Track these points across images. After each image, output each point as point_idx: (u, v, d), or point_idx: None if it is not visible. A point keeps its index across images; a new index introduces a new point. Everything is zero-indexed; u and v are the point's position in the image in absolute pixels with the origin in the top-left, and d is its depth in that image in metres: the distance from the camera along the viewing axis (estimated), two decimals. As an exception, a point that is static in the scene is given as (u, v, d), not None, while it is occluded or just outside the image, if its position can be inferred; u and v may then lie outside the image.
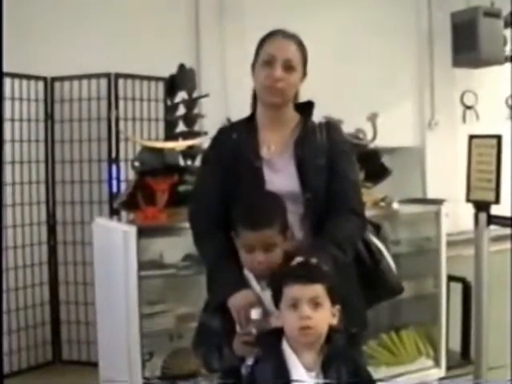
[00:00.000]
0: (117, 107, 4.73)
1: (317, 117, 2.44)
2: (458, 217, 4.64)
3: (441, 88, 6.11)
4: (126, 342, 3.45)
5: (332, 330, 2.02)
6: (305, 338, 1.97)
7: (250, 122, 2.42)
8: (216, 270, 2.28)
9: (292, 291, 1.99)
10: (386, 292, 2.59)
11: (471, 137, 3.65)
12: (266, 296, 2.14)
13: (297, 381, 1.92)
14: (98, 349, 3.98)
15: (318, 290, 2.00)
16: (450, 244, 4.30)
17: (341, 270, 2.21)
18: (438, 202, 4.18)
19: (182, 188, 3.71)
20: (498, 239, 4.29)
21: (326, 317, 2.00)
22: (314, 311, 1.97)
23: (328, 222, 2.29)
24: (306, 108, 2.43)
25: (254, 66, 2.38)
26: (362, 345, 2.60)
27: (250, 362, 2.09)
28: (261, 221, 2.15)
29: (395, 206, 4.07)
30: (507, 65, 5.80)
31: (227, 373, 2.21)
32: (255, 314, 2.10)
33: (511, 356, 3.63)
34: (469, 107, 6.29)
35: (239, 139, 2.36)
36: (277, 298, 2.04)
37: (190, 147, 4.02)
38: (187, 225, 2.52)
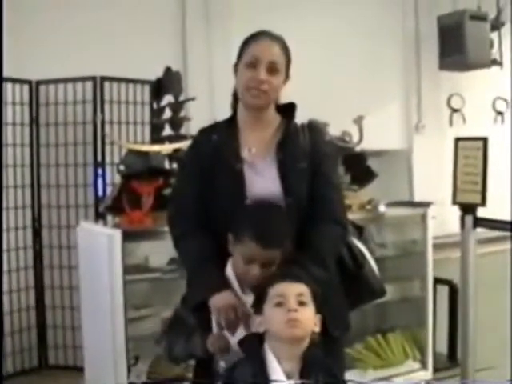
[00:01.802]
0: (102, 111, 4.71)
1: (303, 119, 2.43)
2: (446, 220, 4.64)
3: (427, 91, 6.12)
4: (112, 346, 3.44)
5: (312, 338, 2.02)
6: (292, 330, 1.95)
7: (230, 123, 2.40)
8: (197, 269, 2.26)
9: (279, 289, 1.99)
10: (368, 295, 2.58)
11: (457, 139, 3.66)
12: (247, 300, 2.15)
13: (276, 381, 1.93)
14: (84, 353, 3.98)
15: (304, 289, 2.01)
16: (437, 247, 4.31)
17: (325, 278, 2.23)
18: (425, 204, 4.19)
19: (167, 191, 3.67)
20: (485, 242, 4.36)
21: (311, 316, 2.00)
22: (300, 307, 1.98)
23: (310, 235, 2.27)
24: (287, 110, 2.40)
25: (236, 66, 2.35)
26: (344, 348, 2.59)
27: (223, 364, 2.11)
28: (274, 241, 2.13)
29: (381, 208, 4.08)
30: (494, 68, 5.82)
31: (199, 364, 2.24)
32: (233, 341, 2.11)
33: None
34: (456, 110, 6.29)
35: (219, 140, 2.34)
36: (260, 301, 2.03)
37: (176, 150, 3.99)
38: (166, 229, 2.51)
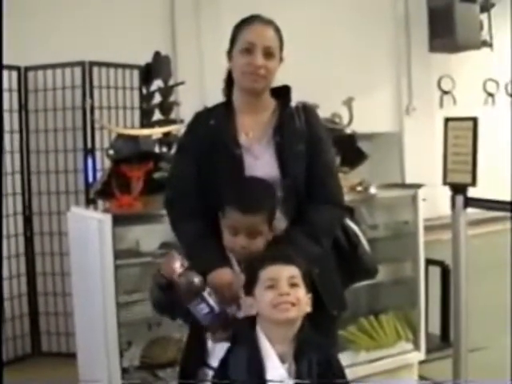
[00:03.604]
0: (91, 96, 4.68)
1: (292, 102, 2.42)
2: (437, 202, 4.67)
3: (418, 73, 6.10)
4: (104, 331, 3.42)
5: (303, 319, 2.02)
6: (284, 313, 1.95)
7: (226, 108, 2.40)
8: (197, 246, 2.27)
9: (270, 272, 1.98)
10: (361, 274, 2.62)
11: (447, 119, 3.58)
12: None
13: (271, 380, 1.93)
14: (76, 340, 3.95)
15: (295, 271, 2.00)
16: (428, 228, 4.29)
17: (320, 256, 2.27)
18: (416, 186, 4.16)
19: (157, 175, 3.66)
20: (477, 223, 4.44)
21: (303, 297, 1.99)
22: (292, 289, 1.97)
23: (308, 213, 2.29)
24: (281, 93, 2.40)
25: (230, 52, 2.36)
26: (337, 329, 2.63)
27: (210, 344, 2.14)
28: (251, 205, 2.15)
29: (372, 190, 4.03)
30: (484, 49, 5.79)
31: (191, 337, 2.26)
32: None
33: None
34: (446, 92, 6.30)
35: (217, 125, 2.34)
36: (251, 284, 2.02)
37: (166, 135, 3.99)
38: (163, 212, 2.50)
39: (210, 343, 2.19)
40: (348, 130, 4.12)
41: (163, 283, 2.13)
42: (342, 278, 2.49)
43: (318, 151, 2.34)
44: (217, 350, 2.14)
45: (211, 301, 2.07)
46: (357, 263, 2.57)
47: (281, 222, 2.29)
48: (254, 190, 2.22)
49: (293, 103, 2.39)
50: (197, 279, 2.07)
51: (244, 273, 2.12)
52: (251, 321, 2.03)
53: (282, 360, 1.96)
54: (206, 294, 2.07)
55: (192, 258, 2.24)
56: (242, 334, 2.03)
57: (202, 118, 2.39)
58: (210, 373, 2.13)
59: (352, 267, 2.54)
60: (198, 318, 2.10)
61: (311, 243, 2.25)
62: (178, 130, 3.95)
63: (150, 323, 3.84)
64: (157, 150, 3.95)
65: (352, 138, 4.13)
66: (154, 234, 3.69)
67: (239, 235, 2.16)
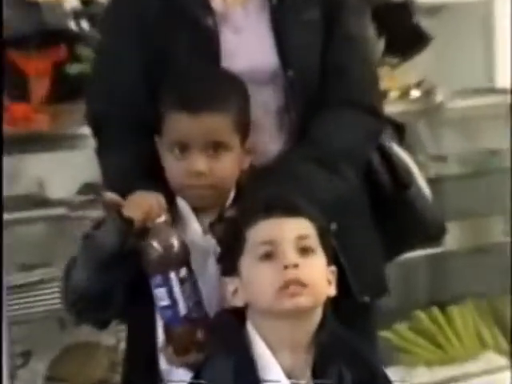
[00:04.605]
0: None
1: None
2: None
3: None
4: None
5: (326, 308, 1.63)
6: (292, 299, 1.52)
7: None
8: (128, 185, 1.86)
9: (264, 230, 1.59)
10: (416, 235, 2.15)
11: None
12: (210, 245, 1.74)
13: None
14: None
15: (306, 226, 1.60)
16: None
17: (342, 203, 1.90)
18: (512, 92, 3.58)
19: (73, 69, 3.11)
20: None
21: (322, 270, 1.59)
22: (304, 258, 1.55)
23: (319, 126, 1.93)
24: None
25: None
26: (377, 327, 2.17)
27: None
28: (205, 98, 1.79)
29: (439, 96, 3.40)
30: None
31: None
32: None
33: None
34: None
35: None
36: (233, 254, 1.64)
37: (87, 1, 3.34)
38: (84, 131, 2.29)
39: (163, 363, 1.77)
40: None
41: (124, 238, 1.69)
42: (384, 244, 2.08)
43: (344, 22, 2.00)
44: (175, 374, 1.75)
45: (177, 290, 1.66)
46: (408, 218, 2.09)
47: (270, 142, 1.92)
48: (207, 77, 1.89)
49: None
50: (177, 242, 1.67)
51: (215, 233, 1.74)
52: (237, 317, 1.66)
53: (291, 376, 1.57)
54: (174, 274, 1.66)
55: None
56: (223, 338, 1.66)
57: None
58: None
59: (400, 225, 2.08)
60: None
61: (323, 175, 1.87)
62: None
63: (62, 318, 3.11)
64: (72, 25, 3.30)
65: (406, 9, 3.44)
66: (68, 170, 3.24)
67: (191, 153, 1.75)
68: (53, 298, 2.98)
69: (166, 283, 1.69)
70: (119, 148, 1.97)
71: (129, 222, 1.68)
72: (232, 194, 1.77)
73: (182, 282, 1.69)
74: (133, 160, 1.93)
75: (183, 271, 1.68)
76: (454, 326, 3.50)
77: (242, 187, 1.80)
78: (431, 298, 3.72)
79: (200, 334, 1.71)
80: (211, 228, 1.75)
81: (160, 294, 1.69)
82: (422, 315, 3.50)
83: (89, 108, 2.06)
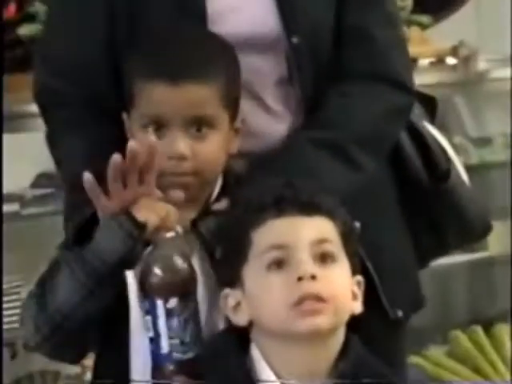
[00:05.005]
0: None
1: None
2: None
3: None
4: None
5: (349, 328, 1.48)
6: (309, 319, 1.37)
7: None
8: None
9: (275, 232, 1.45)
10: (455, 234, 1.85)
11: None
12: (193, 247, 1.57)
13: None
14: None
15: (326, 227, 1.45)
16: None
17: (364, 197, 1.67)
18: None
19: (23, 30, 2.99)
20: None
21: (345, 280, 1.44)
22: (323, 267, 1.40)
23: (332, 101, 1.71)
24: None
25: None
26: (406, 350, 1.89)
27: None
28: (186, 64, 1.59)
29: (481, 65, 3.13)
30: None
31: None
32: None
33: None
34: None
35: None
36: (234, 261, 1.47)
37: None
38: (35, 111, 1.84)
39: None
40: None
41: (133, 245, 1.46)
42: (418, 245, 1.82)
43: None
44: None
45: (162, 322, 1.48)
46: (445, 214, 1.81)
47: (271, 121, 1.69)
48: (193, 42, 1.66)
49: None
50: (181, 266, 1.47)
51: (199, 230, 1.57)
52: (239, 338, 1.50)
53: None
54: (161, 302, 1.48)
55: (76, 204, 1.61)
56: (220, 365, 1.47)
57: None
58: None
59: (435, 222, 1.83)
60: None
61: (338, 164, 1.66)
62: None
63: (14, 344, 3.04)
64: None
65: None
66: (21, 158, 3.08)
67: (169, 132, 1.55)
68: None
69: (153, 311, 1.53)
70: (79, 131, 1.76)
71: (141, 226, 1.49)
72: (219, 184, 1.58)
73: (168, 313, 1.52)
74: (95, 144, 1.70)
75: (173, 302, 1.50)
76: (499, 349, 3.22)
77: (230, 177, 1.63)
78: (472, 314, 3.46)
79: (181, 380, 1.51)
80: (193, 226, 1.56)
81: (146, 322, 1.55)
82: (460, 336, 3.25)
83: (37, 79, 1.82)
